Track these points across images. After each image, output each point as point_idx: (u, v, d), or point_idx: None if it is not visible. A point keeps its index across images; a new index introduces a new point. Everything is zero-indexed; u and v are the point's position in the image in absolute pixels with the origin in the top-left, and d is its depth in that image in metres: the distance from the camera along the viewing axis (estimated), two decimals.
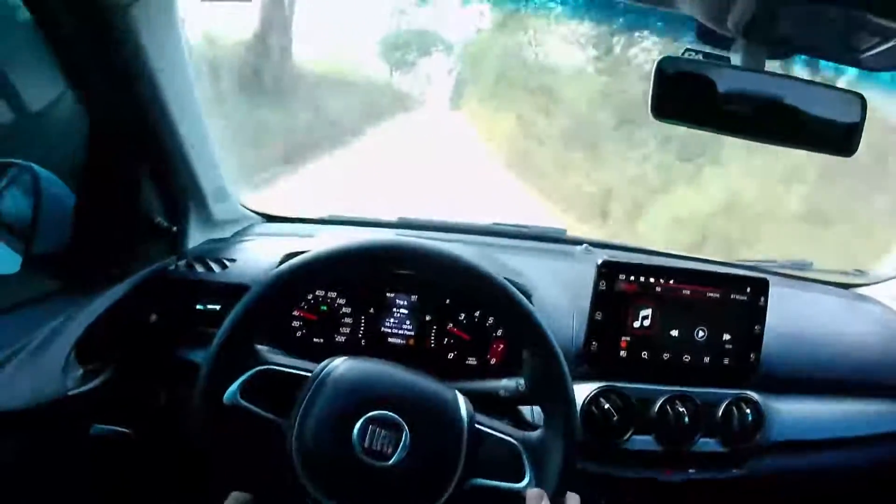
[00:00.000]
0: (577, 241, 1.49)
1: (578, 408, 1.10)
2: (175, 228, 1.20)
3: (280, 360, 0.90)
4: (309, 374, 0.87)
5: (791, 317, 1.30)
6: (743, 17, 0.77)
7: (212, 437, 0.87)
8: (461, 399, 0.89)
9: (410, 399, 0.87)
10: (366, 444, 0.82)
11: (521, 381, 1.04)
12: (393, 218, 1.50)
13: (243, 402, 0.85)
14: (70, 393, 1.00)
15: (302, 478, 0.82)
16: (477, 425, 0.88)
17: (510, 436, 0.89)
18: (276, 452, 0.84)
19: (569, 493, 0.87)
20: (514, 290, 0.91)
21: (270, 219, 1.49)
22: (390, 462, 0.82)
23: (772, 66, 0.83)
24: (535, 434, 0.91)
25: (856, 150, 0.83)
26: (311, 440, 0.83)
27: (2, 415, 0.91)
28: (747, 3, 0.74)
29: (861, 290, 1.59)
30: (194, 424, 0.88)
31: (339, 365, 0.88)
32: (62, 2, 0.89)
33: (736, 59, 0.83)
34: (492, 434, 0.89)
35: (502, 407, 1.04)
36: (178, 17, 1.04)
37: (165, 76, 1.03)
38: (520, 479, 0.87)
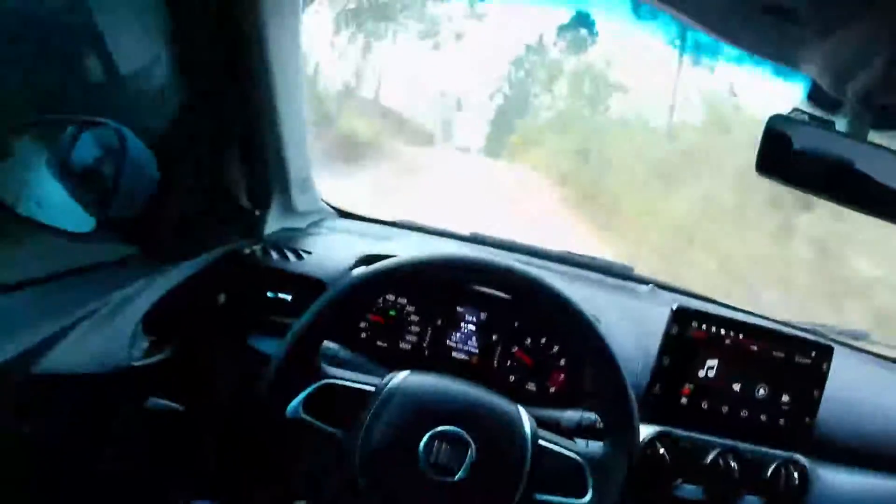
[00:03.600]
0: (643, 280, 1.50)
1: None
2: (257, 212, 1.20)
3: (343, 374, 0.92)
4: (373, 389, 0.88)
5: (848, 386, 1.30)
6: (863, 85, 0.78)
7: (275, 448, 0.89)
8: (524, 415, 0.91)
9: (475, 415, 0.88)
10: (431, 460, 0.84)
11: (585, 415, 1.05)
12: (465, 232, 1.51)
13: (306, 417, 0.87)
14: (133, 363, 1.01)
15: (366, 492, 0.83)
16: (540, 441, 0.89)
17: (573, 451, 0.91)
18: (339, 465, 0.85)
19: None
20: (585, 311, 0.94)
21: (343, 214, 1.50)
22: (456, 477, 0.83)
23: (875, 135, 0.84)
24: (598, 451, 0.92)
25: None
26: (377, 455, 0.84)
27: (67, 377, 0.92)
28: (872, 73, 0.75)
29: None
30: (258, 433, 0.90)
31: (404, 379, 0.89)
32: None
33: (841, 124, 0.84)
34: (554, 450, 0.90)
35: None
36: (300, 7, 1.05)
37: (278, 61, 1.04)
38: (582, 495, 0.88)
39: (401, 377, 0.89)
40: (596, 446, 0.93)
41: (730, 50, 0.93)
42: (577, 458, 0.90)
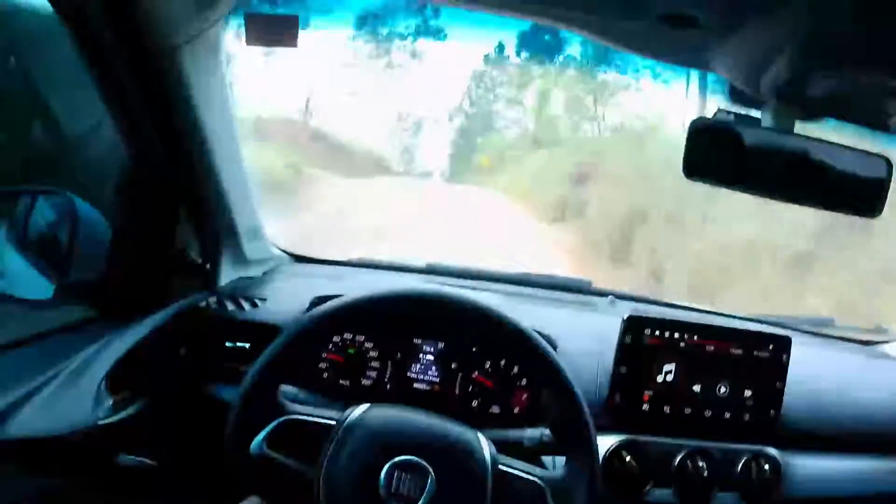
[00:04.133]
0: (602, 293, 1.52)
1: (600, 459, 1.12)
2: (209, 265, 1.23)
3: (304, 410, 0.93)
4: (333, 423, 0.90)
5: (811, 374, 1.32)
6: (776, 80, 0.79)
7: (242, 485, 0.91)
8: (483, 441, 0.92)
9: (434, 444, 0.89)
10: (392, 490, 0.85)
11: (546, 431, 1.06)
12: (421, 263, 1.53)
13: (270, 452, 0.88)
14: (100, 423, 1.02)
15: None
16: (500, 466, 0.91)
17: (533, 475, 0.92)
18: (304, 499, 0.87)
19: None
20: (536, 336, 0.95)
21: (298, 258, 1.52)
22: None
23: (800, 127, 0.85)
24: (559, 473, 0.94)
25: (881, 211, 0.86)
26: (339, 487, 0.86)
27: (33, 441, 0.94)
28: (782, 67, 0.76)
29: (882, 347, 1.60)
30: (226, 472, 0.91)
31: (363, 413, 0.91)
32: (110, 37, 0.91)
33: (766, 119, 0.85)
34: (515, 474, 0.91)
35: (526, 456, 1.06)
36: (224, 61, 1.07)
37: (209, 116, 1.06)
38: None
39: (360, 410, 0.91)
40: (558, 467, 0.95)
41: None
42: (538, 481, 0.91)
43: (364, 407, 0.92)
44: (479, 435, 0.92)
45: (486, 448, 0.91)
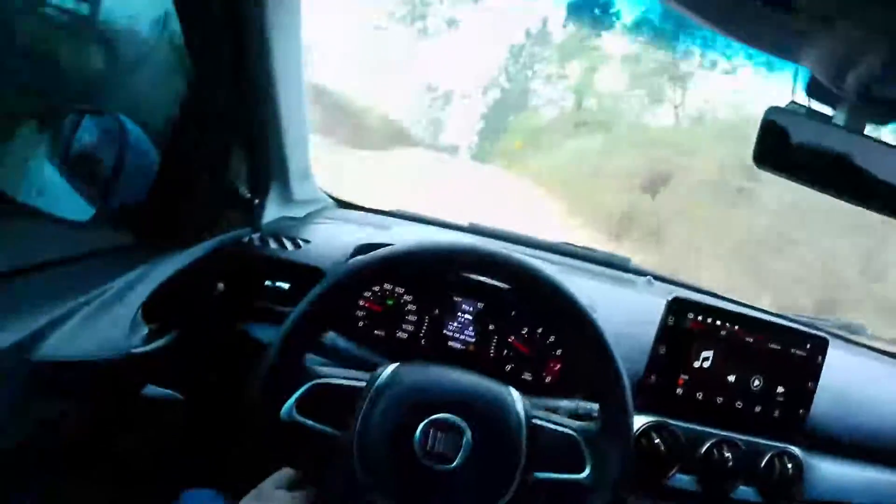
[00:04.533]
0: (641, 272, 1.51)
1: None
2: (256, 201, 1.21)
3: (333, 373, 0.92)
4: (363, 385, 0.89)
5: (843, 379, 1.31)
6: (860, 80, 0.78)
7: (272, 450, 0.89)
8: (516, 395, 0.91)
9: (467, 400, 0.88)
10: (428, 449, 0.84)
11: (581, 403, 1.05)
12: (463, 222, 1.52)
13: (300, 418, 0.87)
14: (132, 351, 1.01)
15: (367, 487, 0.84)
16: (534, 420, 0.90)
17: (568, 427, 0.92)
18: (338, 463, 0.86)
19: None
20: (581, 300, 0.94)
21: (342, 204, 1.51)
22: (454, 464, 0.84)
23: (871, 129, 0.85)
24: (593, 425, 0.93)
25: None
26: (373, 450, 0.84)
27: (64, 364, 0.93)
28: (869, 66, 0.75)
29: None
30: (254, 437, 0.89)
31: (393, 372, 0.90)
32: None
33: (839, 117, 0.84)
34: (550, 427, 0.91)
35: None
36: (300, 7, 1.06)
37: (278, 53, 1.05)
38: (581, 470, 0.89)
39: (390, 370, 0.90)
40: (593, 425, 0.94)
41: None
42: (573, 433, 0.91)
43: (393, 366, 0.91)
44: (512, 390, 0.92)
45: (520, 403, 0.90)
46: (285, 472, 0.91)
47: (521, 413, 0.89)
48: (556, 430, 0.91)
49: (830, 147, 0.85)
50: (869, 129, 0.86)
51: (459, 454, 0.84)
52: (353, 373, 0.92)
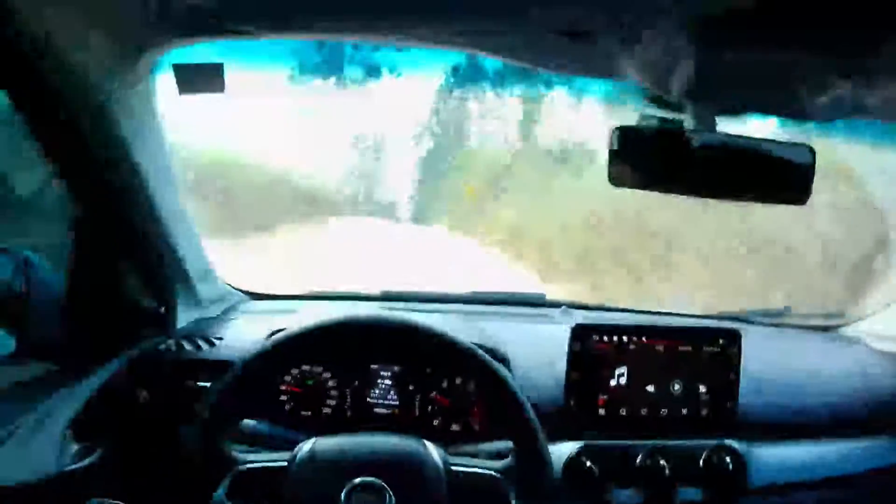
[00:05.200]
0: (555, 304, 1.54)
1: (561, 467, 1.14)
2: (163, 310, 1.25)
3: (256, 457, 0.96)
4: (286, 464, 0.93)
5: (769, 364, 1.35)
6: (686, 82, 0.81)
7: None
8: (430, 446, 0.95)
9: (384, 460, 0.93)
10: None
11: (500, 444, 1.09)
12: (376, 291, 1.55)
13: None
14: (67, 469, 1.04)
15: None
16: (452, 467, 0.94)
17: (485, 468, 0.95)
18: None
19: None
20: (475, 348, 0.98)
21: (255, 296, 1.54)
22: None
23: (725, 124, 0.88)
24: (509, 461, 0.96)
25: (808, 198, 0.88)
26: None
27: (1, 490, 0.95)
28: (687, 67, 0.79)
29: (840, 332, 1.63)
30: None
31: (312, 447, 0.94)
32: (40, 98, 0.93)
33: (689, 121, 0.87)
34: (468, 471, 0.95)
35: None
36: (157, 108, 1.10)
37: (146, 165, 1.07)
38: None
39: (308, 445, 0.94)
40: (509, 460, 0.97)
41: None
42: (491, 472, 0.95)
43: (311, 441, 0.95)
44: (426, 442, 0.96)
45: (436, 453, 0.94)
46: None
47: (439, 462, 0.93)
48: (475, 473, 0.95)
49: (686, 150, 0.88)
50: (722, 125, 0.90)
51: None
52: (275, 454, 0.96)
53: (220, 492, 0.90)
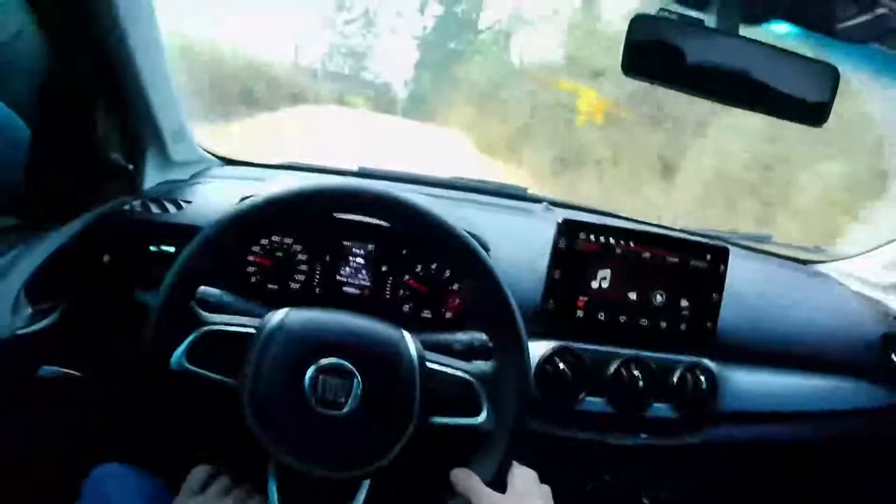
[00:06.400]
0: (537, 200, 1.52)
1: (533, 366, 1.12)
2: (132, 168, 1.19)
3: (222, 319, 0.90)
4: (253, 331, 0.87)
5: (748, 288, 1.34)
6: None
7: (164, 403, 0.88)
8: (409, 338, 0.90)
9: (357, 344, 0.87)
10: (318, 395, 0.83)
11: (477, 335, 1.06)
12: (353, 167, 1.51)
13: (191, 367, 0.85)
14: (19, 332, 0.99)
15: (258, 435, 0.82)
16: (427, 363, 0.89)
17: (463, 370, 0.91)
18: (232, 414, 0.84)
19: (517, 466, 0.90)
20: (465, 233, 0.92)
21: (229, 162, 1.49)
22: (344, 410, 0.83)
23: (745, 30, 0.85)
24: (488, 366, 0.92)
25: (825, 121, 0.86)
26: (264, 396, 0.83)
27: None
28: None
29: (818, 267, 1.64)
30: (147, 389, 0.88)
31: (283, 317, 0.88)
32: None
33: (710, 20, 0.84)
34: (444, 371, 0.90)
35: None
36: None
37: (130, 16, 1.02)
38: (478, 413, 0.89)
39: (280, 315, 0.88)
40: (488, 365, 0.93)
41: None
42: (467, 376, 0.90)
43: (284, 311, 0.89)
44: (405, 333, 0.91)
45: (413, 346, 0.89)
46: (197, 474, 0.91)
47: (415, 357, 0.88)
48: (450, 374, 0.90)
49: (702, 49, 0.85)
50: (743, 30, 0.86)
51: (349, 400, 0.83)
52: (244, 319, 0.90)
53: (180, 351, 0.85)
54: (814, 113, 0.86)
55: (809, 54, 0.92)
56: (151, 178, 1.24)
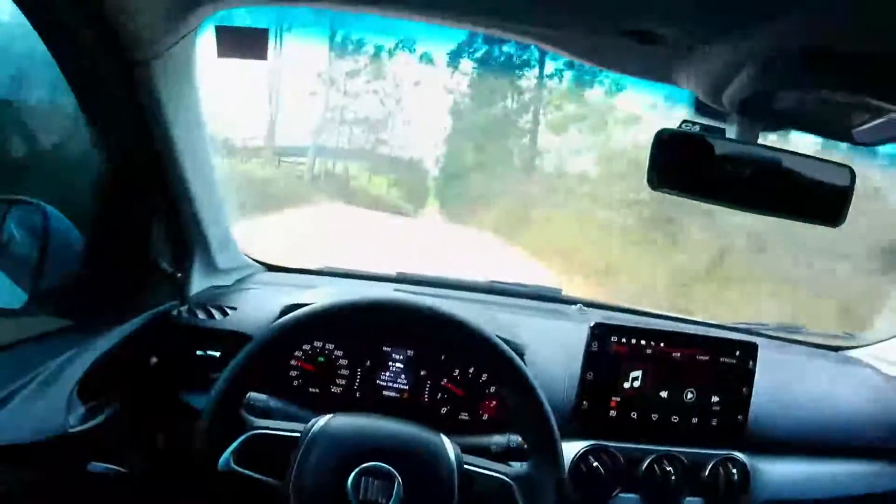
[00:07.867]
0: (572, 301, 1.55)
1: (567, 465, 1.15)
2: (180, 274, 1.25)
3: (269, 424, 0.96)
4: (298, 435, 0.93)
5: (781, 379, 1.36)
6: (739, 95, 0.82)
7: (212, 501, 0.93)
8: (448, 442, 0.95)
9: (398, 448, 0.92)
10: (361, 497, 0.87)
11: (513, 437, 1.09)
12: (391, 272, 1.56)
13: (238, 469, 0.90)
14: (71, 430, 1.04)
15: None
16: (466, 466, 0.94)
17: (499, 472, 0.95)
18: None
19: None
20: (499, 340, 0.98)
21: (271, 268, 1.55)
22: None
23: (765, 137, 0.89)
24: (524, 469, 0.96)
25: (843, 220, 0.88)
26: (309, 497, 0.88)
27: (3, 448, 0.95)
28: (744, 82, 0.80)
29: (850, 353, 1.64)
30: (195, 489, 0.93)
31: (328, 422, 0.93)
32: (86, 51, 0.94)
33: (731, 131, 0.88)
34: (481, 472, 0.94)
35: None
36: (197, 74, 1.11)
37: (181, 128, 1.09)
38: None
39: (324, 420, 0.94)
40: (524, 466, 0.97)
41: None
42: (505, 478, 0.94)
43: (328, 416, 0.95)
44: (444, 437, 0.95)
45: (451, 449, 0.94)
46: None
47: (453, 460, 0.93)
48: (488, 475, 0.95)
49: (726, 159, 0.88)
50: (764, 138, 0.91)
51: (391, 502, 0.87)
52: (289, 423, 0.96)
53: (228, 453, 0.90)
54: (832, 214, 0.88)
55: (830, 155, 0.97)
56: (197, 283, 1.30)
